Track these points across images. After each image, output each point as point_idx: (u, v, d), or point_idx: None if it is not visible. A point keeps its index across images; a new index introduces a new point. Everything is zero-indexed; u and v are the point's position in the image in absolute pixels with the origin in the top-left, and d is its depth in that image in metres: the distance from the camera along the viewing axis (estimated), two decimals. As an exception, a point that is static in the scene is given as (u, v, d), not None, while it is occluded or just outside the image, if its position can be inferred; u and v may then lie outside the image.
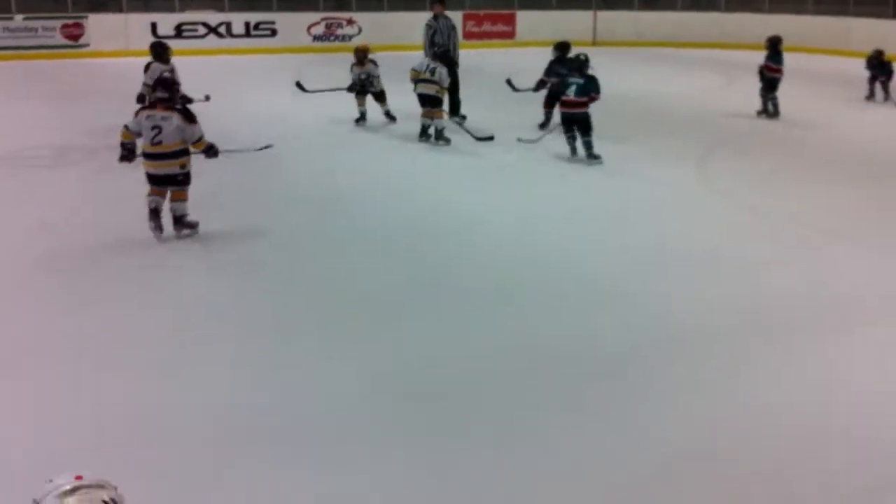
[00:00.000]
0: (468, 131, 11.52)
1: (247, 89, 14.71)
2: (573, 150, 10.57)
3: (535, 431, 4.58)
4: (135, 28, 19.62)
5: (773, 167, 10.45)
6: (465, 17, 22.62)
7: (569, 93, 10.46)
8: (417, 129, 11.34)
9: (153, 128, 7.21)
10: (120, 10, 20.01)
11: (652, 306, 6.25)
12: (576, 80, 10.45)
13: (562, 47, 12.03)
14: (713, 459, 4.38)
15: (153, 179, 7.34)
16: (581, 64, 10.56)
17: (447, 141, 11.15)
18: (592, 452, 4.39)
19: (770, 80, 13.31)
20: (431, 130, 11.30)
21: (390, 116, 12.37)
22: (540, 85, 12.02)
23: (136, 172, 7.67)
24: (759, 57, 13.51)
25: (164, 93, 7.40)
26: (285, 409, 4.74)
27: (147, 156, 7.31)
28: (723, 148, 11.50)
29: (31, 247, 7.26)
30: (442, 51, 11.83)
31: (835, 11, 22.35)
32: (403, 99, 12.01)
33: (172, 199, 7.41)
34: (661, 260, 7.22)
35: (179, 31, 19.95)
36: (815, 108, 14.51)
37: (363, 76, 12.06)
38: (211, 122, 10.88)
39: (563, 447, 4.44)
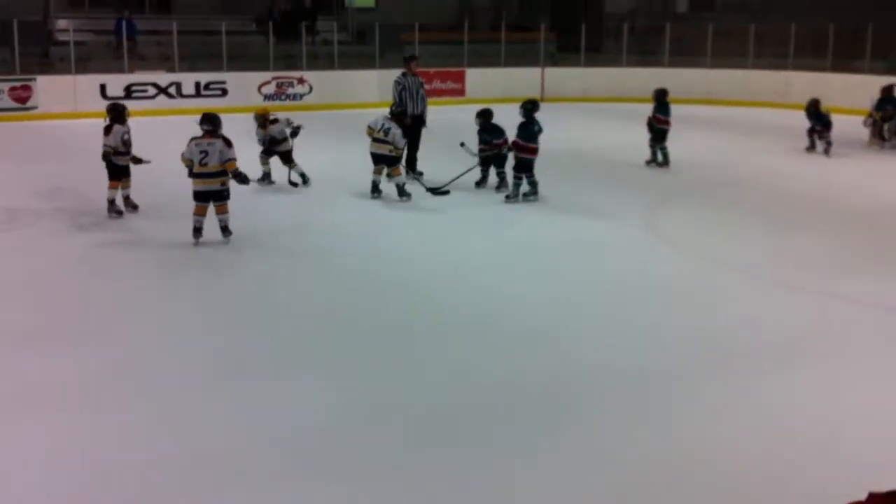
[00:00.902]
0: (425, 186, 11.68)
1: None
2: (517, 195, 11.20)
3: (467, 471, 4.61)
4: (84, 90, 19.56)
5: (716, 216, 10.71)
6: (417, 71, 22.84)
7: (537, 140, 11.12)
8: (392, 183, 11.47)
9: (201, 152, 8.95)
10: (69, 71, 19.94)
11: (594, 348, 6.42)
12: (538, 128, 11.15)
13: (484, 114, 11.95)
14: (657, 495, 4.45)
15: (199, 196, 9.03)
16: (536, 108, 11.27)
17: (408, 196, 11.26)
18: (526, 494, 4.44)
19: (658, 130, 13.88)
20: (382, 186, 11.39)
21: (293, 183, 11.89)
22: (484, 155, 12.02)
23: (87, 234, 7.65)
24: (702, 110, 13.89)
25: (209, 125, 9.12)
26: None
27: (196, 175, 8.97)
28: (667, 198, 11.76)
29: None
30: (398, 111, 11.93)
31: (774, 65, 22.97)
32: (354, 151, 12.11)
33: (217, 212, 9.09)
34: (603, 302, 7.45)
35: (129, 92, 19.91)
36: (758, 160, 14.88)
37: (265, 139, 11.97)
38: (157, 181, 10.95)
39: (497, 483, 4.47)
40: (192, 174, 9.03)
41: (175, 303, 7.48)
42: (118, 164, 10.15)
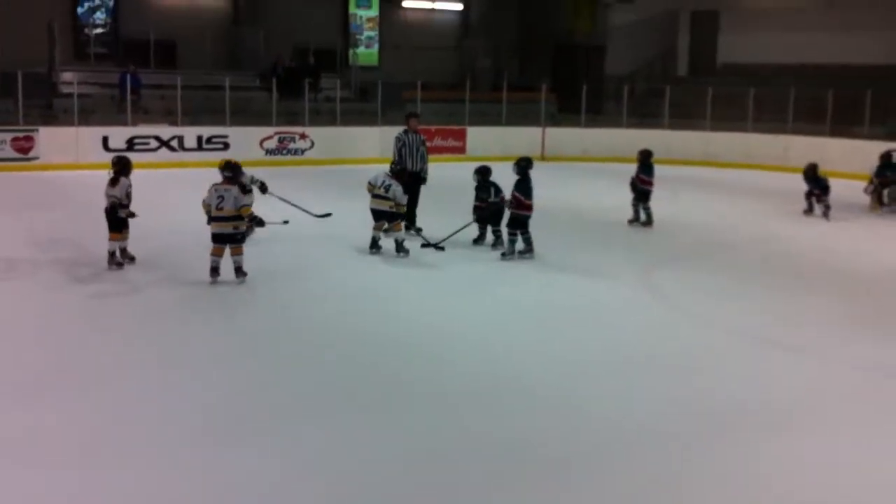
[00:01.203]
0: (425, 241, 11.69)
1: (195, 201, 14.70)
2: (513, 252, 11.22)
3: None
4: (86, 141, 19.64)
5: (714, 278, 10.65)
6: (419, 131, 22.97)
7: (532, 196, 11.16)
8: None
9: (218, 197, 9.57)
10: (72, 123, 20.05)
11: (594, 412, 6.32)
12: (531, 186, 11.17)
13: (482, 171, 12.01)
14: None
15: (216, 238, 9.61)
16: (530, 166, 11.29)
17: (406, 252, 11.25)
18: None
19: (642, 191, 13.92)
20: (382, 242, 11.38)
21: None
22: (481, 212, 12.02)
23: (86, 286, 7.60)
24: (701, 172, 13.92)
25: (229, 172, 9.87)
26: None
27: (213, 219, 9.60)
28: (664, 259, 11.74)
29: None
30: (398, 169, 11.97)
31: (773, 129, 23.13)
32: (354, 207, 12.12)
33: (233, 254, 9.62)
34: (601, 365, 7.36)
35: (131, 145, 19.99)
36: (756, 222, 14.90)
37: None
38: (155, 234, 10.95)
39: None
40: (210, 219, 9.62)
41: (172, 356, 7.40)
42: (120, 216, 10.14)
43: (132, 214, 10.24)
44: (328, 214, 12.16)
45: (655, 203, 13.74)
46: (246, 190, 11.02)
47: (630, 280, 10.35)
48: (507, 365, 7.32)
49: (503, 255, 11.26)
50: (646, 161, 14.01)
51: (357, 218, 12.05)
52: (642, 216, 13.95)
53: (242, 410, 6.23)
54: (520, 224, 11.22)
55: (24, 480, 5.10)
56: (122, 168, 10.20)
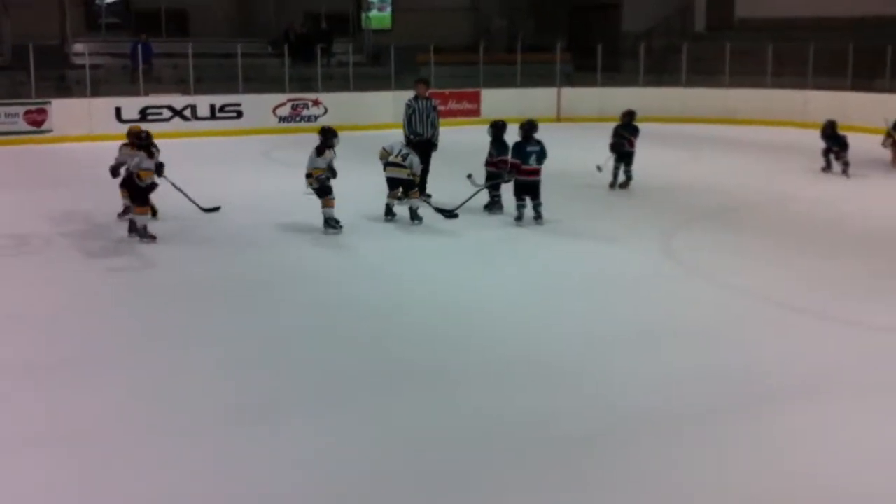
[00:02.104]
0: (436, 209, 11.55)
1: (210, 171, 14.71)
2: (522, 217, 11.03)
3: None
4: (99, 113, 19.59)
5: (736, 240, 10.48)
6: (431, 96, 22.78)
7: (531, 161, 10.86)
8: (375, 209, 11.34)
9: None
10: (84, 95, 19.98)
11: (616, 386, 6.17)
12: (534, 149, 10.87)
13: (496, 126, 11.88)
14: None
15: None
16: (533, 129, 11.02)
17: (420, 220, 11.16)
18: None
19: (628, 152, 13.51)
20: (396, 209, 11.29)
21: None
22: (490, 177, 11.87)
23: (96, 262, 7.54)
24: (720, 130, 13.71)
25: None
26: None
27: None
28: (688, 222, 11.53)
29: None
30: (419, 140, 11.84)
31: (793, 84, 22.76)
32: (369, 172, 12.04)
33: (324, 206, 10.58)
34: (623, 337, 7.16)
35: (144, 115, 19.92)
36: (776, 181, 14.68)
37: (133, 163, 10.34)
38: (172, 203, 10.91)
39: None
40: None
41: (186, 334, 7.34)
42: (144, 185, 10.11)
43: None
44: (217, 208, 11.35)
45: (674, 163, 13.53)
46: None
47: (648, 245, 10.15)
48: (521, 340, 7.14)
49: (516, 219, 11.09)
50: (632, 121, 13.67)
51: (372, 185, 11.94)
52: (621, 177, 13.58)
53: (248, 390, 6.14)
54: (523, 189, 11.02)
55: (27, 465, 5.07)
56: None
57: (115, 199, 10.78)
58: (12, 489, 4.76)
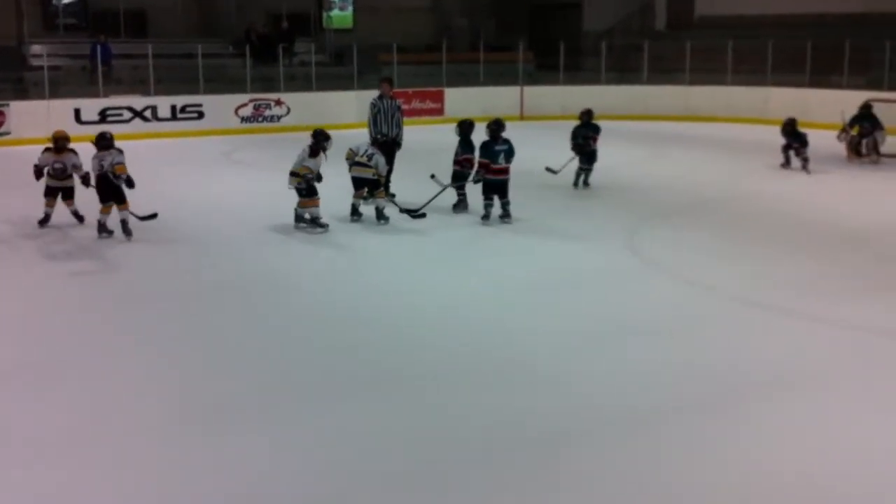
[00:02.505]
0: (402, 209, 11.51)
1: (172, 172, 14.58)
2: (489, 216, 11.05)
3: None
4: (58, 114, 19.29)
5: (698, 238, 10.57)
6: (394, 95, 22.72)
7: (500, 160, 10.89)
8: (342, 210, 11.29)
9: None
10: (42, 96, 19.70)
11: (585, 385, 6.17)
12: (501, 148, 10.95)
13: (462, 125, 11.92)
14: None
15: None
16: (500, 128, 11.03)
17: (387, 220, 11.15)
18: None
19: (592, 152, 13.48)
20: (362, 209, 11.25)
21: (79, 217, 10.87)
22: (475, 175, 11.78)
23: (54, 264, 7.43)
24: (682, 127, 13.79)
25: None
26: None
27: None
28: (651, 220, 11.60)
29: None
30: (384, 140, 11.79)
31: (753, 81, 22.99)
32: (332, 173, 11.99)
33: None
34: (589, 335, 7.19)
35: (104, 117, 19.69)
36: (737, 178, 14.82)
37: (57, 166, 10.59)
38: (134, 204, 10.80)
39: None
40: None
41: (150, 338, 7.25)
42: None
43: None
44: (154, 215, 10.81)
45: (635, 161, 13.56)
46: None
47: (613, 244, 10.19)
48: (490, 339, 7.13)
49: (482, 218, 11.10)
50: (590, 120, 13.68)
51: (336, 186, 11.88)
52: (582, 178, 13.59)
53: (221, 396, 6.05)
54: (491, 189, 11.05)
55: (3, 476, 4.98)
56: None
57: (76, 200, 10.60)
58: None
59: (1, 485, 4.82)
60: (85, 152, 10.55)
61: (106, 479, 4.89)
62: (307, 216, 10.80)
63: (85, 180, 10.46)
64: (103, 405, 5.86)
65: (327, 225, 10.68)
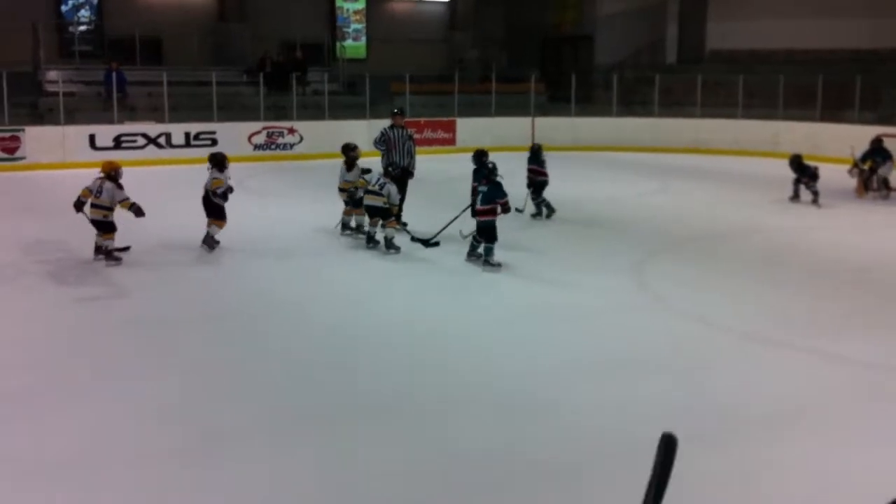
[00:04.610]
0: (415, 238, 11.57)
1: (185, 198, 14.62)
2: (472, 255, 10.66)
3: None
4: (73, 140, 19.51)
5: (705, 272, 10.54)
6: (406, 125, 22.85)
7: (477, 202, 10.64)
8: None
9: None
10: (57, 122, 19.90)
11: (586, 418, 6.17)
12: (481, 189, 10.64)
13: (477, 155, 11.88)
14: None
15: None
16: (490, 172, 10.67)
17: (397, 249, 11.17)
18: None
19: (541, 183, 13.62)
20: (378, 237, 11.32)
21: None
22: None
23: (65, 289, 7.44)
24: (691, 160, 13.80)
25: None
26: None
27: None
28: (658, 253, 11.60)
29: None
30: (397, 171, 11.86)
31: (763, 115, 23.06)
32: (342, 205, 12.04)
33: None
34: (594, 368, 7.17)
35: (118, 143, 19.88)
36: (747, 212, 14.80)
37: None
38: (144, 231, 10.86)
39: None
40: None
41: (157, 364, 7.27)
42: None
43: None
44: (127, 248, 10.76)
45: (644, 193, 13.55)
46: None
47: (618, 276, 10.17)
48: (493, 371, 7.11)
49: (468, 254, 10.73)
50: (538, 154, 13.76)
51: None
52: (544, 210, 13.68)
53: (226, 420, 6.07)
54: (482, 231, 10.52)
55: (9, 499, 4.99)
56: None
57: (87, 226, 10.64)
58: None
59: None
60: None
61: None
62: (353, 224, 11.90)
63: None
64: (106, 430, 5.88)
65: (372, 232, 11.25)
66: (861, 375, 7.13)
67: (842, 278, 10.31)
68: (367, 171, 11.98)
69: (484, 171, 10.96)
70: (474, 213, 10.76)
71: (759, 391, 6.70)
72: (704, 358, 7.48)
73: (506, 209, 10.45)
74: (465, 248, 11.12)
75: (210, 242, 11.04)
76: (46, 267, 10.31)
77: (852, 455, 5.61)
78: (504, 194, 10.41)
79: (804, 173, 15.18)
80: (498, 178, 10.52)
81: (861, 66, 22.36)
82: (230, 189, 11.16)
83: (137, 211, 10.38)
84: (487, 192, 10.45)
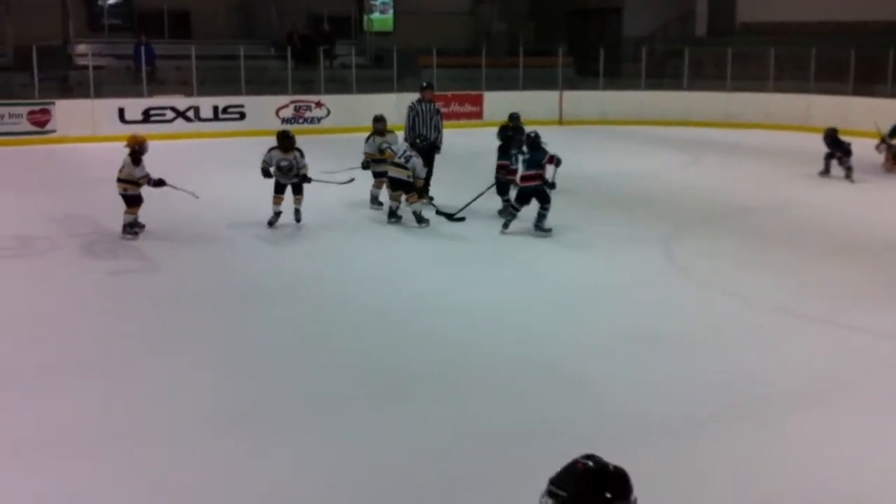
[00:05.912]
0: (437, 210, 11.56)
1: (212, 172, 14.70)
2: (508, 225, 10.77)
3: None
4: (102, 114, 19.63)
5: (739, 247, 10.47)
6: (433, 99, 22.79)
7: (520, 168, 11.00)
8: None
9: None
10: (87, 96, 20.01)
11: (618, 394, 6.16)
12: (522, 155, 11.03)
13: (506, 130, 11.91)
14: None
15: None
16: (533, 140, 10.78)
17: (427, 222, 11.19)
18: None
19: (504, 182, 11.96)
20: (400, 212, 11.32)
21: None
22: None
23: (101, 263, 7.52)
24: (721, 134, 13.69)
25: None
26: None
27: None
28: (686, 227, 11.54)
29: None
30: (424, 143, 11.83)
31: (794, 88, 22.78)
32: (369, 178, 12.05)
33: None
34: (628, 345, 7.13)
35: (147, 117, 19.99)
36: (778, 186, 14.69)
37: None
38: (176, 204, 10.95)
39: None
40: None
41: (186, 341, 7.34)
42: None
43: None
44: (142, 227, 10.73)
45: (674, 167, 13.41)
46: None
47: (649, 251, 10.11)
48: (522, 347, 7.10)
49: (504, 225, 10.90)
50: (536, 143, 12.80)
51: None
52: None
53: (246, 400, 6.07)
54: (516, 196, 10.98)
55: (20, 471, 5.04)
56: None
57: (117, 198, 10.68)
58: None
59: (34, 479, 4.91)
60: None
61: (127, 479, 4.94)
62: (379, 198, 11.91)
63: (305, 179, 10.90)
64: (133, 405, 5.92)
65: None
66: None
67: (875, 253, 10.21)
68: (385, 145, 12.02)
69: (515, 143, 11.31)
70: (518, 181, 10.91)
71: (792, 365, 6.67)
72: (735, 332, 7.44)
73: (557, 163, 10.59)
74: (494, 223, 11.13)
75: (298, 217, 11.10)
76: (77, 240, 10.42)
77: (891, 430, 5.59)
78: (549, 154, 10.60)
79: (839, 148, 15.00)
80: (543, 145, 10.73)
81: (894, 39, 22.00)
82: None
83: (157, 184, 10.44)
84: (533, 157, 10.66)
